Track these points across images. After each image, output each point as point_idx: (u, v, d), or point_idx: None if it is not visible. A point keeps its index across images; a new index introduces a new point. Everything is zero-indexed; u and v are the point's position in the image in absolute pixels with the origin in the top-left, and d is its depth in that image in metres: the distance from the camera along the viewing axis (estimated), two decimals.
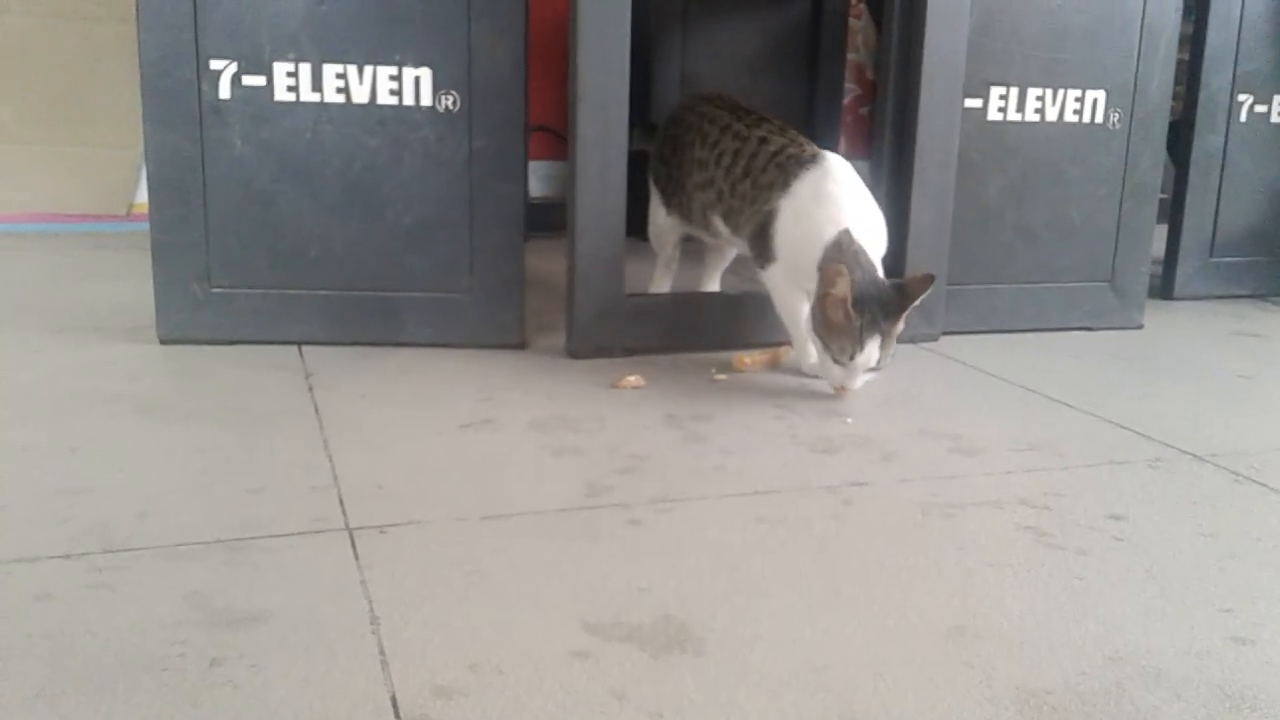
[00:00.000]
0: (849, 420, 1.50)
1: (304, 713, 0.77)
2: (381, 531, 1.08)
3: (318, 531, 1.07)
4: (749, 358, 1.71)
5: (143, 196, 2.79)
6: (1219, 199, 2.32)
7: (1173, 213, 2.32)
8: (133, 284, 2.07)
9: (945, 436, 1.44)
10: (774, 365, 1.73)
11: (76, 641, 0.85)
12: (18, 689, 0.78)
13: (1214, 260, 2.35)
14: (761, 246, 1.66)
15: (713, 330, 1.82)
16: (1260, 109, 2.31)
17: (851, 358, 1.51)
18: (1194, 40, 2.25)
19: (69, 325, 1.84)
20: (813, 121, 2.79)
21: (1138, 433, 1.48)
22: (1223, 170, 2.30)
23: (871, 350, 1.51)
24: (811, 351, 1.66)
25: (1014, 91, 1.93)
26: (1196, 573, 1.05)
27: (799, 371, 1.70)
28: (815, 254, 1.56)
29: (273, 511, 1.12)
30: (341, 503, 1.15)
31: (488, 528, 1.10)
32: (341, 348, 1.74)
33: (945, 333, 1.92)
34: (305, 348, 1.74)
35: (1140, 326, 2.07)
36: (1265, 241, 2.39)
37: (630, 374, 1.62)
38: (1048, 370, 1.78)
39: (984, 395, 1.65)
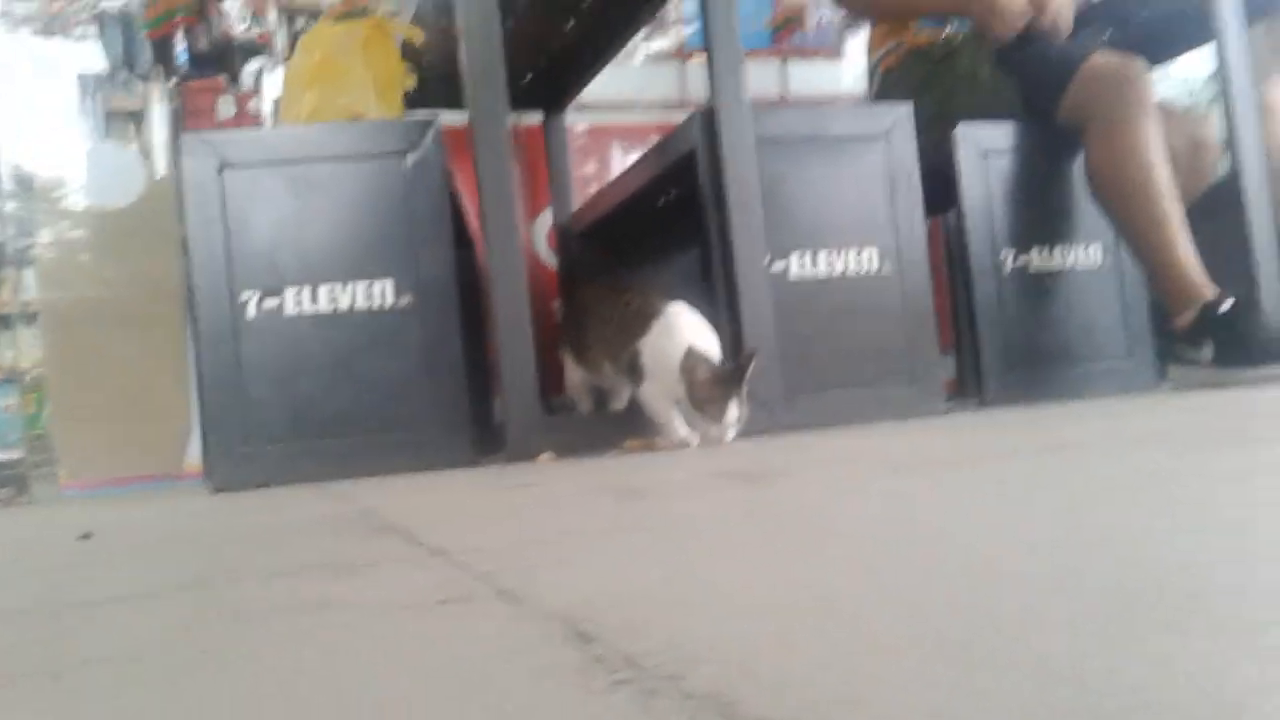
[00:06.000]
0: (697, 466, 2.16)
1: None
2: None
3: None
4: (632, 442, 2.41)
5: (193, 456, 3.52)
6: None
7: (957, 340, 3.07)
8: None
9: (736, 475, 2.03)
10: (650, 448, 2.40)
11: None
12: None
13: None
14: (634, 371, 2.40)
15: (613, 433, 2.50)
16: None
17: (721, 417, 2.22)
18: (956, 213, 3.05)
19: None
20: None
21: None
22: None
23: (733, 409, 2.23)
24: (674, 431, 2.35)
25: (809, 254, 2.69)
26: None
27: (669, 450, 2.37)
28: (674, 367, 2.29)
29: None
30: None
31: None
32: (353, 479, 2.41)
33: (788, 428, 2.59)
34: (326, 482, 2.41)
35: (944, 413, 2.73)
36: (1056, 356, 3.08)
37: (546, 453, 2.33)
38: (861, 443, 2.44)
39: (802, 455, 2.30)
